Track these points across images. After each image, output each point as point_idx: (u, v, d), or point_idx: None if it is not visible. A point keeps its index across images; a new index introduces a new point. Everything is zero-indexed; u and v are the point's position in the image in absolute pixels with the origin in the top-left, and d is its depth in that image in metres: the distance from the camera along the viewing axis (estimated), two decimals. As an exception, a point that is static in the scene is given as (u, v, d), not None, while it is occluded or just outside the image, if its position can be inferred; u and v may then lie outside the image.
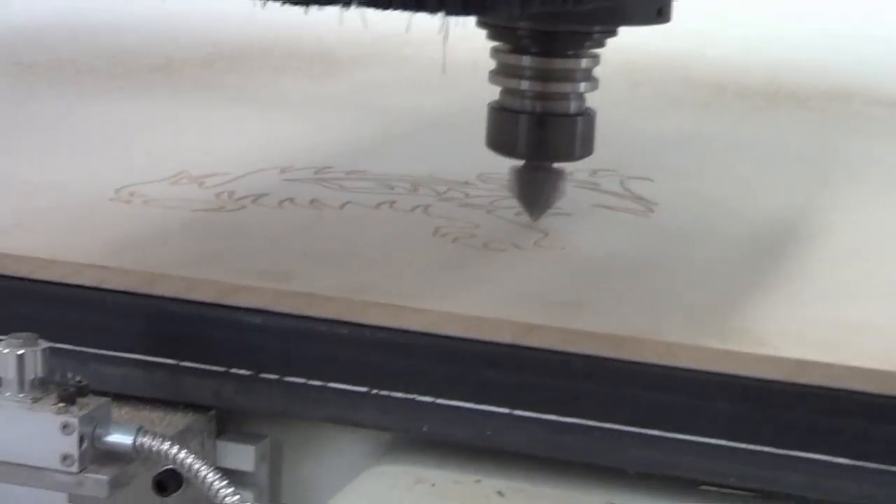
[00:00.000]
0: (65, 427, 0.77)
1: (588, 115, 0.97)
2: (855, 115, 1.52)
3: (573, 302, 0.85)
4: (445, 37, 0.69)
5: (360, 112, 1.40)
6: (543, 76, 0.94)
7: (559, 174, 0.99)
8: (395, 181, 1.12)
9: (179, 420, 0.85)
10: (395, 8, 0.66)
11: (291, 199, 1.05)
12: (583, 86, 0.95)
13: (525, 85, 0.94)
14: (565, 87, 0.95)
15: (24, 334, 0.79)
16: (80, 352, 0.86)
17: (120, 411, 0.84)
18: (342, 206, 1.04)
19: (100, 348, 0.86)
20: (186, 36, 1.74)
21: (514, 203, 1.07)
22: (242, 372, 0.84)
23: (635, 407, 0.79)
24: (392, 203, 1.06)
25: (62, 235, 0.92)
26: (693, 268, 0.95)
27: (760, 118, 1.49)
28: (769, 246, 1.01)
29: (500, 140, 0.97)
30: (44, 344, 0.79)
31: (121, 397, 0.85)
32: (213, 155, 1.17)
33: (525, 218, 1.03)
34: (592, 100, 0.98)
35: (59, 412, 0.77)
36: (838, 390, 0.77)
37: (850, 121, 1.49)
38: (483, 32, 0.93)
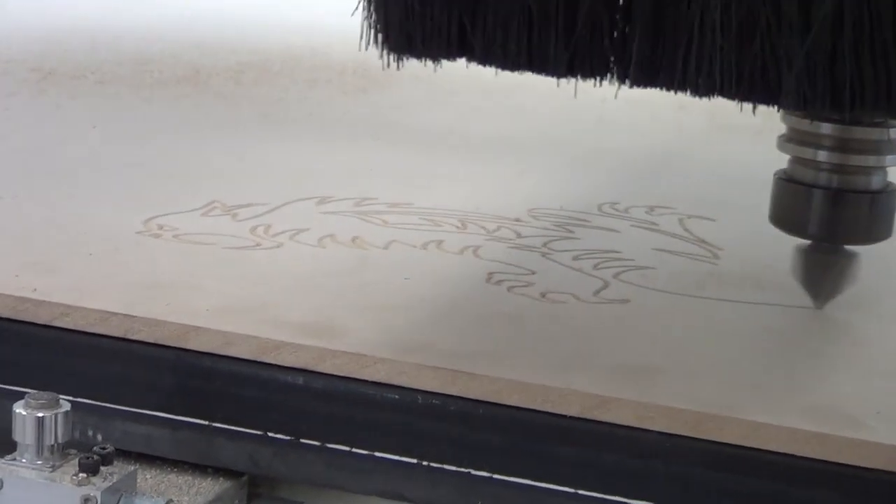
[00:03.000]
0: (86, 501, 0.70)
1: (890, 193, 0.84)
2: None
3: (644, 368, 0.78)
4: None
5: (396, 132, 1.33)
6: (843, 146, 0.82)
7: (851, 258, 0.87)
8: (440, 216, 1.04)
9: (210, 486, 0.78)
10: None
11: (332, 236, 0.97)
12: (888, 159, 0.83)
13: (821, 156, 0.83)
14: (868, 161, 0.83)
15: (45, 394, 0.72)
16: (103, 407, 0.79)
17: (144, 475, 0.78)
18: (386, 245, 0.97)
19: (125, 405, 0.79)
20: (212, 44, 1.67)
21: (570, 245, 1.00)
22: (281, 436, 0.77)
23: (714, 492, 0.72)
24: (440, 243, 0.98)
25: (86, 276, 0.85)
26: (778, 331, 0.87)
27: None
28: (860, 302, 0.92)
29: (785, 216, 0.85)
30: (66, 406, 0.72)
31: (146, 458, 0.79)
32: (246, 181, 1.10)
33: (581, 263, 0.96)
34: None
35: (79, 483, 0.70)
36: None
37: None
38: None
